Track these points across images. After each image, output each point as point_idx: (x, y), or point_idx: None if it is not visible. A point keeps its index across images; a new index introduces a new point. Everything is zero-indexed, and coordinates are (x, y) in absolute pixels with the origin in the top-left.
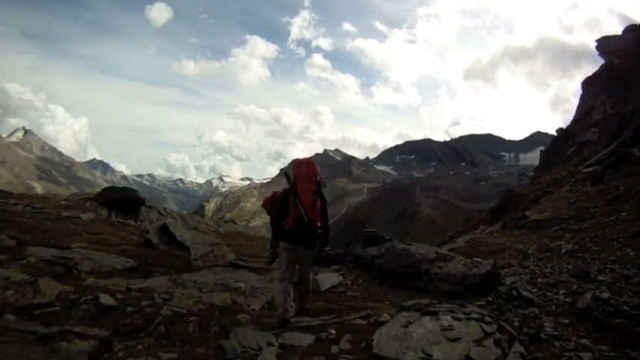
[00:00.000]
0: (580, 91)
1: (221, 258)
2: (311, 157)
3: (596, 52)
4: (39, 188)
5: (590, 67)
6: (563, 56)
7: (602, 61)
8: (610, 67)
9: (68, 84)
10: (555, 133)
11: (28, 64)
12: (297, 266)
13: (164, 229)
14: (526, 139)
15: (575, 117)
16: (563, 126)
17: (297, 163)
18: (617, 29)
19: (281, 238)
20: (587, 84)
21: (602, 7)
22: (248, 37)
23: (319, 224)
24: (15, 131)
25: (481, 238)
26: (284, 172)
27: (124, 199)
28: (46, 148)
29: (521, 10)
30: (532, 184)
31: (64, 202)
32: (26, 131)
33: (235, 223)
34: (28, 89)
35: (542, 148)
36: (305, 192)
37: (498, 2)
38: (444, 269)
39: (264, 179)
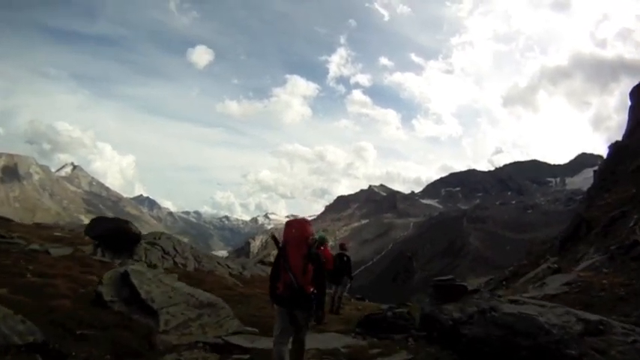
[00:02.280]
0: (628, 103)
1: (212, 329)
2: (304, 218)
3: (633, 62)
4: (86, 221)
5: (630, 78)
6: (600, 71)
7: None
8: None
9: (115, 122)
10: (605, 152)
11: (76, 104)
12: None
13: (126, 280)
14: (571, 162)
15: (628, 129)
16: (608, 143)
17: (287, 225)
18: None
19: (276, 302)
20: (636, 93)
21: (632, 15)
22: (288, 76)
23: (312, 289)
24: (64, 166)
25: (587, 277)
26: (271, 235)
27: (113, 233)
28: (94, 183)
29: (552, 28)
30: (590, 206)
31: (58, 234)
32: (75, 167)
33: (268, 264)
34: (77, 127)
35: (589, 169)
36: (295, 256)
37: (529, 23)
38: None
39: (310, 216)
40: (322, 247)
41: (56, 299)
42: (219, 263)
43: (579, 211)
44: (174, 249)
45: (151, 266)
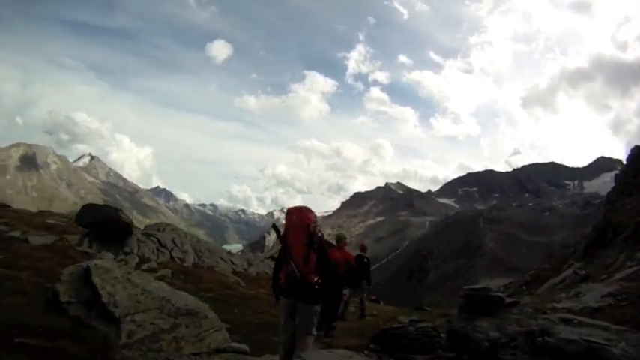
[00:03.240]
0: None
1: (189, 344)
2: (304, 206)
3: None
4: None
5: None
6: (620, 74)
7: None
8: None
9: (133, 115)
10: (624, 156)
11: (94, 95)
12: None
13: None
14: (590, 165)
15: None
16: (628, 147)
17: (287, 213)
18: None
19: (280, 293)
20: None
21: None
22: (306, 72)
23: (316, 279)
24: (82, 157)
25: (632, 288)
26: (272, 225)
27: (103, 222)
28: (112, 174)
29: (572, 29)
30: (613, 210)
31: (51, 222)
32: (93, 157)
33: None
34: (95, 118)
35: (607, 173)
36: (296, 244)
37: (549, 23)
38: None
39: (326, 212)
40: (341, 246)
41: (9, 296)
42: (222, 258)
43: (605, 216)
44: (173, 241)
45: (144, 260)
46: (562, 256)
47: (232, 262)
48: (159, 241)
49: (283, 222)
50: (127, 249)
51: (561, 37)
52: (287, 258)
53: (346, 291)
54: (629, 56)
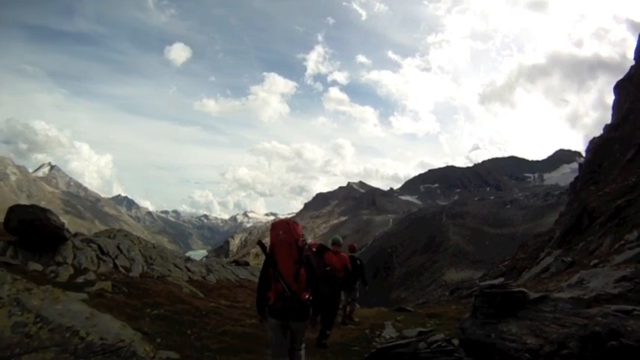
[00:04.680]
0: (607, 100)
1: None
2: (291, 218)
3: (609, 60)
4: (65, 222)
5: (607, 76)
6: (577, 69)
7: (625, 65)
8: None
9: (92, 122)
10: (583, 148)
11: (53, 102)
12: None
13: None
14: (549, 157)
15: (613, 122)
16: (585, 139)
17: (272, 228)
18: (626, 36)
19: (269, 314)
20: (620, 88)
21: (608, 15)
22: (265, 74)
23: (307, 296)
24: (41, 166)
25: None
26: (257, 242)
27: (29, 226)
28: (72, 183)
29: (529, 27)
30: (576, 198)
31: None
32: (52, 167)
33: (244, 265)
34: (54, 126)
35: (566, 165)
36: (285, 262)
37: (506, 22)
38: None
39: (289, 214)
40: (337, 251)
41: None
42: (176, 265)
43: (580, 202)
44: (118, 248)
45: (80, 271)
46: (536, 245)
47: (188, 270)
48: (100, 248)
49: (247, 225)
50: (59, 258)
51: (518, 34)
52: (276, 276)
53: (342, 296)
54: (586, 52)
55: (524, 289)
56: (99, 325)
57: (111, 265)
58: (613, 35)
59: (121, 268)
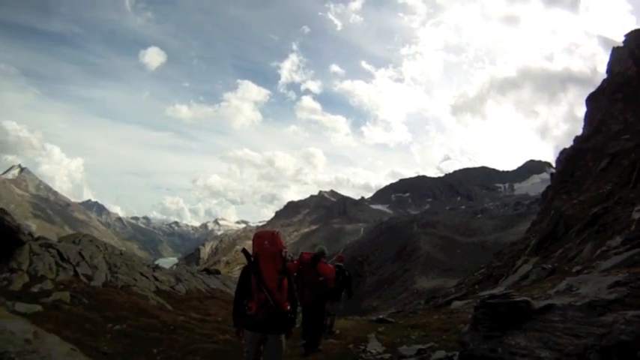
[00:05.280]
0: (576, 112)
1: None
2: (274, 230)
3: (580, 74)
4: (34, 226)
5: (577, 89)
6: (548, 82)
7: (596, 78)
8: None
9: (64, 124)
10: (553, 158)
11: (25, 103)
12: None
13: None
14: (519, 168)
15: (585, 133)
16: (555, 150)
17: (257, 237)
18: (597, 50)
19: (245, 326)
20: (592, 100)
21: (579, 31)
22: (239, 81)
23: (289, 307)
24: (11, 168)
25: None
26: (242, 249)
27: None
28: (42, 187)
29: (502, 40)
30: (547, 207)
31: None
32: (22, 169)
33: (215, 273)
34: (25, 127)
35: (536, 175)
36: (269, 271)
37: (479, 35)
38: None
39: (260, 222)
40: (321, 261)
41: None
42: (142, 274)
43: (557, 211)
44: (80, 254)
45: (36, 279)
46: (512, 253)
47: (156, 279)
48: (60, 253)
49: (218, 233)
50: (13, 264)
51: (491, 47)
52: (259, 286)
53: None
54: (556, 66)
55: (528, 299)
56: (40, 351)
57: (71, 272)
58: (584, 50)
59: (82, 277)
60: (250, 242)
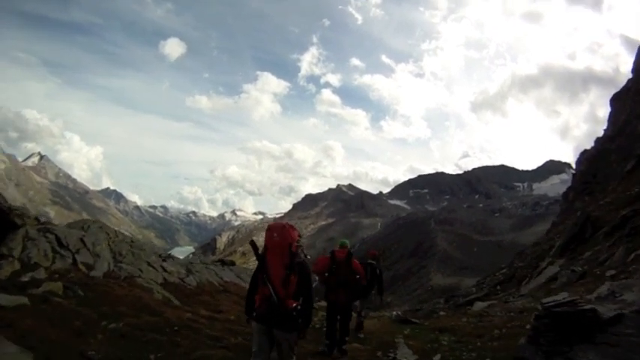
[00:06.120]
0: (601, 112)
1: None
2: (286, 222)
3: (602, 74)
4: (52, 213)
5: (599, 89)
6: (569, 82)
7: (619, 79)
8: None
9: (84, 113)
10: (573, 159)
11: (46, 92)
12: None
13: None
14: (539, 168)
15: (608, 134)
16: (575, 151)
17: (268, 229)
18: (619, 50)
19: (254, 319)
20: (616, 100)
21: (602, 30)
22: (259, 73)
23: (295, 304)
24: (31, 156)
25: None
26: (250, 241)
27: None
28: (61, 174)
29: (523, 37)
30: (569, 208)
31: None
32: (42, 157)
33: (230, 265)
34: (45, 116)
35: (556, 176)
36: (275, 266)
37: (501, 32)
38: None
39: (277, 214)
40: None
41: None
42: (149, 264)
43: (583, 212)
44: (81, 240)
45: (28, 267)
46: (535, 253)
47: (164, 270)
48: (58, 239)
49: (235, 224)
50: (4, 250)
51: (512, 44)
52: (264, 279)
53: (357, 303)
54: (578, 65)
55: (595, 307)
56: None
57: (69, 261)
58: (606, 50)
59: (81, 266)
60: None
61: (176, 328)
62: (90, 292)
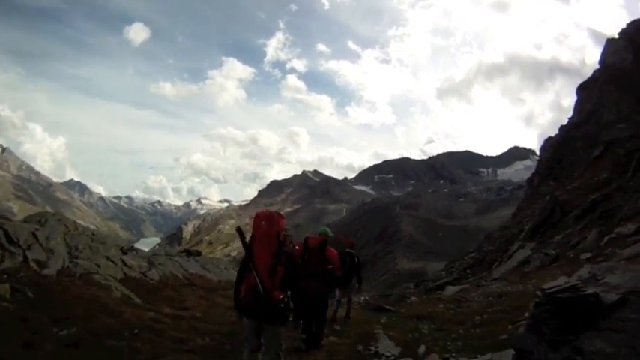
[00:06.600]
0: (566, 101)
1: None
2: (275, 210)
3: (568, 65)
4: (16, 208)
5: (565, 78)
6: (535, 71)
7: (584, 70)
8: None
9: (47, 102)
10: (537, 146)
11: (7, 82)
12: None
13: None
14: (503, 154)
15: (574, 121)
16: (540, 138)
17: (255, 217)
18: (586, 43)
19: (240, 310)
20: (582, 90)
21: (569, 22)
22: (224, 58)
23: (282, 296)
24: None
25: None
26: (236, 228)
27: None
28: (24, 167)
29: (491, 26)
30: (534, 193)
31: None
32: (4, 149)
33: (195, 255)
34: (7, 106)
35: (520, 162)
36: (262, 255)
37: (468, 20)
38: None
39: (243, 201)
40: (328, 247)
41: None
42: (109, 259)
43: (552, 197)
44: (34, 235)
45: None
46: (504, 237)
47: (124, 264)
48: (6, 234)
49: (200, 212)
50: None
51: (479, 33)
52: (250, 269)
53: (337, 292)
54: (545, 55)
55: (597, 291)
56: None
57: (20, 258)
58: (573, 41)
59: (32, 263)
60: (232, 222)
61: (136, 330)
62: (41, 294)
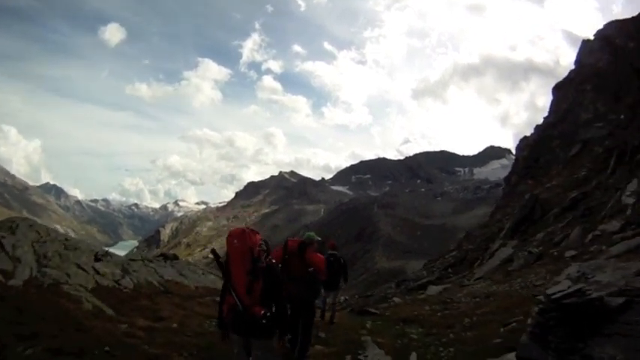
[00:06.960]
0: (540, 101)
1: None
2: (247, 227)
3: (543, 65)
4: None
5: (540, 79)
6: (510, 71)
7: (558, 70)
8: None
9: (22, 104)
10: (513, 145)
11: None
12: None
13: None
14: (479, 153)
15: (550, 120)
16: (515, 137)
17: (228, 235)
18: (560, 44)
19: (222, 329)
20: (558, 90)
21: (544, 24)
22: (200, 59)
23: (263, 312)
24: None
25: None
26: (211, 250)
27: None
28: None
29: (466, 28)
30: (512, 192)
31: None
32: None
33: (172, 259)
34: None
35: (496, 161)
36: (238, 273)
37: (444, 22)
38: None
39: (220, 203)
40: (309, 250)
41: None
42: (79, 267)
43: (532, 195)
44: (0, 243)
45: None
46: (485, 235)
47: (97, 272)
48: None
49: (178, 215)
50: None
51: (455, 34)
52: (229, 288)
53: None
54: (519, 56)
55: (601, 294)
56: None
57: None
58: (547, 43)
59: None
60: (210, 223)
61: (107, 348)
62: (6, 308)
